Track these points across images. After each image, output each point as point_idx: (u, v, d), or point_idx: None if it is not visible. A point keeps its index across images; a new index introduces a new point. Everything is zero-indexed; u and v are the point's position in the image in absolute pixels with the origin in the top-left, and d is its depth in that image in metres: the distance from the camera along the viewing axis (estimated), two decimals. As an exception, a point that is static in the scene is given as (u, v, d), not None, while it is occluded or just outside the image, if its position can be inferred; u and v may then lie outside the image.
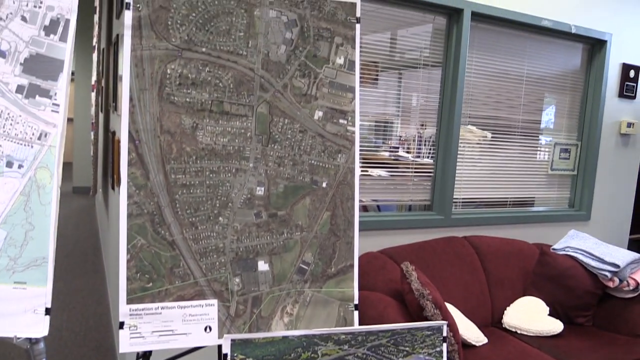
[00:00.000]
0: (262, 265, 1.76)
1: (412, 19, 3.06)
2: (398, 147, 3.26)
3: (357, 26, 1.86)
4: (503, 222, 3.45)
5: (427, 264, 2.87)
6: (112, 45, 3.57)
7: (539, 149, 3.65)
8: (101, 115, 4.66)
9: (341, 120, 1.84)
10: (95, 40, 4.93)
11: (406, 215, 3.15)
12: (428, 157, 3.32)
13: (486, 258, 3.04)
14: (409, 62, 3.10)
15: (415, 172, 3.21)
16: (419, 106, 3.20)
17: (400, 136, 3.25)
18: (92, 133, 4.27)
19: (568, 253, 3.06)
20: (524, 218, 3.52)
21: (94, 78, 4.86)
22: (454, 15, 3.12)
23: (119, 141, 2.96)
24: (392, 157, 3.20)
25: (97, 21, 4.50)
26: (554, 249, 3.16)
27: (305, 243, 1.80)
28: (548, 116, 3.67)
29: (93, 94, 4.84)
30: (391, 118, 3.18)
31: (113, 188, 3.43)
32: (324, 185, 1.82)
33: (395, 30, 3.05)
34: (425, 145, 3.34)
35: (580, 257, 3.00)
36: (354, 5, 1.86)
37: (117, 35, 3.16)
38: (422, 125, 3.33)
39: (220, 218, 1.73)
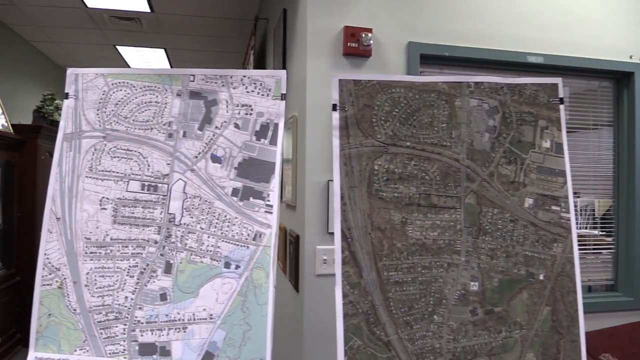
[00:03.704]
0: (481, 368, 1.63)
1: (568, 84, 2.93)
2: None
3: (561, 107, 1.77)
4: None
5: (624, 353, 2.56)
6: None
7: None
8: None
9: (554, 207, 1.72)
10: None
11: (586, 297, 2.87)
12: (586, 228, 3.05)
13: (694, 346, 2.65)
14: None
15: (594, 247, 2.95)
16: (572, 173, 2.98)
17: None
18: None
19: None
20: None
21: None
22: (622, 79, 2.94)
23: (284, 231, 3.02)
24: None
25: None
26: None
27: (526, 342, 1.66)
28: None
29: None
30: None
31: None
32: (541, 277, 1.69)
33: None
34: (581, 215, 3.08)
35: None
36: (555, 86, 1.78)
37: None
38: (576, 194, 3.09)
39: (435, 316, 1.64)
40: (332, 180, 2.38)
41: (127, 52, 5.63)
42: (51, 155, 4.68)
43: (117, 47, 5.51)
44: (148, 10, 4.55)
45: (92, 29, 4.91)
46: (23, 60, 5.44)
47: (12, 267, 4.25)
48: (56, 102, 4.67)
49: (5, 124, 4.28)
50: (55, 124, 4.68)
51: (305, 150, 2.40)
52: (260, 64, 4.35)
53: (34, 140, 4.36)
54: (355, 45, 2.46)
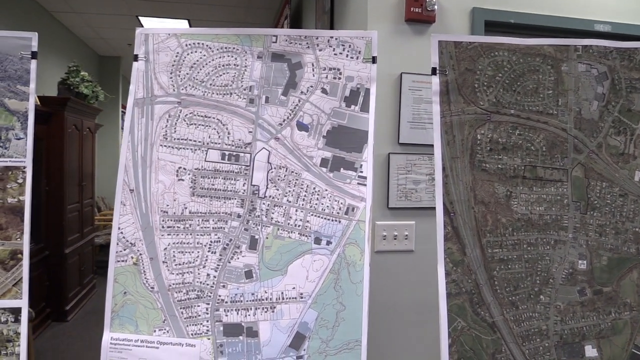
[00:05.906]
0: (590, 351, 1.54)
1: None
2: None
3: (674, 73, 1.64)
4: None
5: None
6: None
7: None
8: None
9: (665, 181, 1.61)
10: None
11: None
12: None
13: None
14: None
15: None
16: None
17: None
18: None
19: None
20: None
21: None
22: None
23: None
24: None
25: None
26: None
27: (636, 324, 1.56)
28: None
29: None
30: None
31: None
32: (653, 256, 1.58)
33: None
34: None
35: None
36: (667, 50, 1.65)
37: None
38: None
39: (541, 296, 1.54)
40: (392, 153, 2.27)
41: (149, 24, 5.45)
42: (77, 129, 4.55)
43: (140, 17, 5.32)
44: (176, -23, 4.37)
45: (116, -3, 4.74)
46: (43, 30, 5.25)
47: (41, 241, 4.15)
48: (82, 74, 4.51)
49: (31, 96, 4.13)
50: (81, 96, 4.54)
51: (369, 122, 2.27)
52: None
53: (61, 113, 4.21)
54: (418, 10, 2.31)
